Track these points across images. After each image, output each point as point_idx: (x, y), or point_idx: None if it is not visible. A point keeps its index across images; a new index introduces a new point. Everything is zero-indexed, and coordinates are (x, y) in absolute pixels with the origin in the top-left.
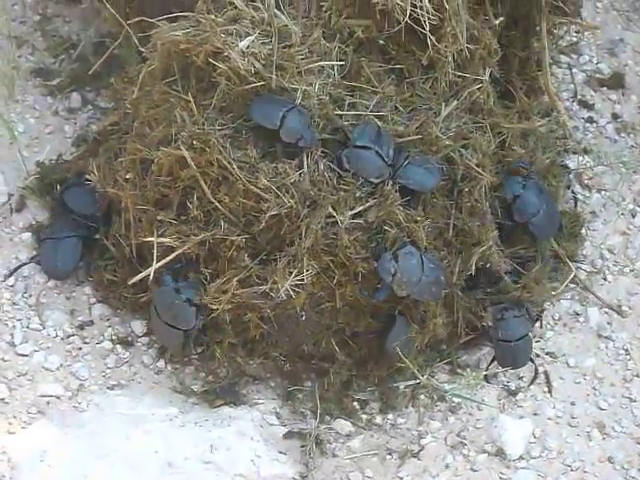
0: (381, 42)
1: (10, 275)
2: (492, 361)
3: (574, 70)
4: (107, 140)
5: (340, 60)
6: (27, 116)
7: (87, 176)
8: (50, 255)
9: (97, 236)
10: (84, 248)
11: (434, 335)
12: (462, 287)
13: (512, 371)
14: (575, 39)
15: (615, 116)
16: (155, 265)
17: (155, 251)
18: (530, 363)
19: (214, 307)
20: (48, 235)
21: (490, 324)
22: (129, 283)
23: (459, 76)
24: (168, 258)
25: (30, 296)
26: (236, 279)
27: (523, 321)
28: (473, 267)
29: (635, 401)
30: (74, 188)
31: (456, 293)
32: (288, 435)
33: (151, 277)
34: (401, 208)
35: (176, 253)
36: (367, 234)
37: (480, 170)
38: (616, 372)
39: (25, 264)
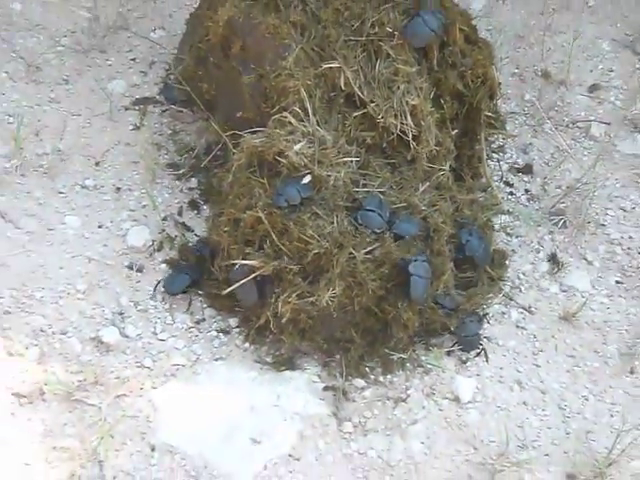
0: (383, 146)
1: (154, 291)
2: (453, 345)
3: (501, 162)
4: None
5: (356, 157)
6: (164, 192)
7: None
8: (170, 281)
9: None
10: (191, 282)
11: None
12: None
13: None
14: (501, 143)
15: (527, 191)
16: (240, 282)
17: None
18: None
19: (282, 311)
20: (172, 279)
21: (457, 326)
22: (223, 294)
23: (430, 167)
24: (251, 276)
25: (166, 303)
26: (295, 294)
27: (476, 323)
28: (440, 289)
29: (540, 367)
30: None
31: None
32: (325, 389)
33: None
34: (395, 247)
35: (257, 273)
36: (374, 264)
37: (443, 225)
38: (528, 348)
39: (159, 282)
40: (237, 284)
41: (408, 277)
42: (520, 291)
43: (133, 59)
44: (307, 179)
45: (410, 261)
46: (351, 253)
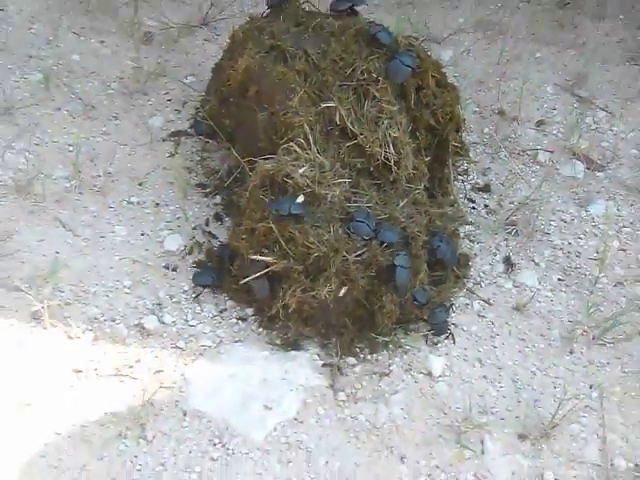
0: (370, 170)
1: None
2: (428, 331)
3: (465, 183)
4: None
5: (349, 179)
6: (194, 207)
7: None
8: (197, 276)
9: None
10: (212, 281)
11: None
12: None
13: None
14: (466, 167)
15: (486, 206)
16: (255, 275)
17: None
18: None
19: (289, 303)
20: (199, 274)
21: (429, 315)
22: (240, 283)
23: (408, 186)
24: (264, 271)
25: (195, 295)
26: (299, 289)
27: (444, 312)
28: (417, 286)
29: (497, 347)
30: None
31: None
32: (324, 365)
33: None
34: (380, 251)
35: (270, 269)
36: (363, 265)
37: (419, 234)
38: (487, 333)
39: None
40: (253, 276)
41: (393, 268)
42: (481, 287)
43: (169, 100)
44: (300, 199)
45: (395, 255)
46: (344, 256)
